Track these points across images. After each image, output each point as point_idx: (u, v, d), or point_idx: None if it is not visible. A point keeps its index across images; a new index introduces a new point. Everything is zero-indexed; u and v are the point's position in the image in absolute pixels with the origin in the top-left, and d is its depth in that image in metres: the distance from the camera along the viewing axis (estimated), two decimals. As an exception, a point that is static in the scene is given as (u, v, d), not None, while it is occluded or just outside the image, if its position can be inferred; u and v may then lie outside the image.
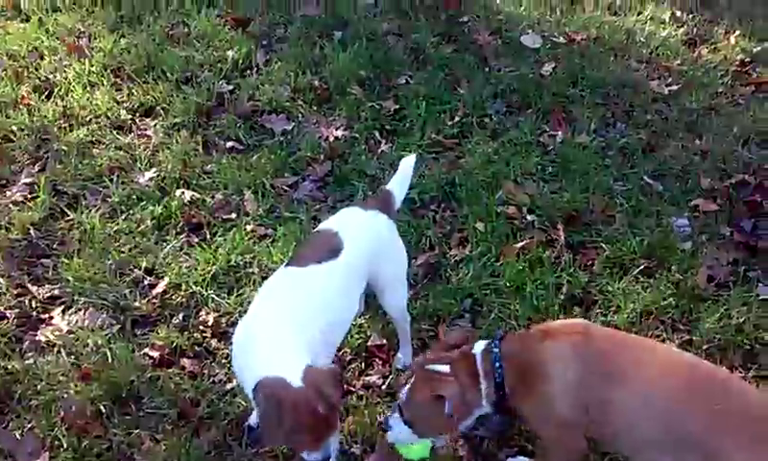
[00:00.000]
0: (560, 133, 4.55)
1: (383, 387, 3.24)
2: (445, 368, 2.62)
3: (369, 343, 3.40)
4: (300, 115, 4.64)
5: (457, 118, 4.63)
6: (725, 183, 4.19)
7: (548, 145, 4.48)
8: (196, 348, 3.37)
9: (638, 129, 4.60)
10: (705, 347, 3.33)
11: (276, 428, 2.45)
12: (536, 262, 3.73)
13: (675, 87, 4.93)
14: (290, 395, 2.42)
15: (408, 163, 3.20)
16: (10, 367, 3.26)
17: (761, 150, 4.45)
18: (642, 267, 3.70)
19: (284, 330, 2.61)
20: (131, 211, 3.97)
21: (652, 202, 4.09)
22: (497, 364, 2.61)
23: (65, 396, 3.14)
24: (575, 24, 5.53)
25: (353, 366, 3.33)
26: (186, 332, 3.41)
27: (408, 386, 2.66)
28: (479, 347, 2.69)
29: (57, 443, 3.00)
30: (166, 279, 3.63)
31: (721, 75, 5.05)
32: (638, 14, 5.63)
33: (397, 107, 4.68)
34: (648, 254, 3.77)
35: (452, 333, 3.09)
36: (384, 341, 3.40)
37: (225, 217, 3.97)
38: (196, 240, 3.84)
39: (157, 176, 4.16)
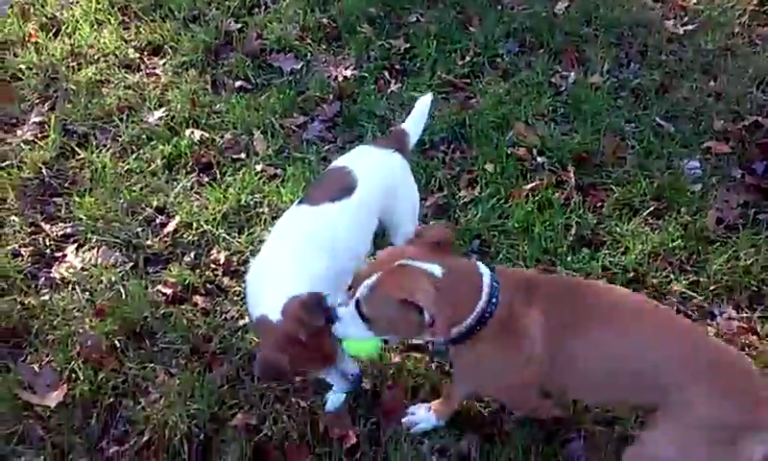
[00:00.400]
0: (572, 73, 4.50)
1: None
2: (436, 269, 2.31)
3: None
4: (308, 54, 4.60)
5: (468, 58, 4.58)
6: (738, 125, 4.14)
7: (560, 86, 4.44)
8: (208, 285, 3.41)
9: (652, 69, 4.53)
10: (712, 288, 3.35)
11: (266, 365, 2.48)
12: (545, 204, 3.73)
13: (691, 27, 4.84)
14: (271, 330, 2.46)
15: (424, 103, 3.18)
16: (26, 302, 3.32)
17: (776, 92, 4.41)
18: (652, 209, 3.70)
19: (288, 269, 2.62)
20: (141, 151, 3.98)
21: (663, 143, 4.06)
22: (494, 298, 2.38)
23: (81, 331, 3.20)
24: (590, -39, 5.41)
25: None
26: (198, 270, 3.45)
27: (376, 278, 2.30)
28: (485, 269, 2.45)
29: (73, 375, 3.08)
30: (177, 219, 3.66)
31: (738, 15, 4.95)
32: (655, -48, 5.51)
33: (408, 46, 4.63)
34: (658, 196, 3.77)
35: (431, 229, 2.54)
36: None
37: (234, 157, 3.98)
38: (206, 180, 3.86)
39: (167, 115, 4.16)
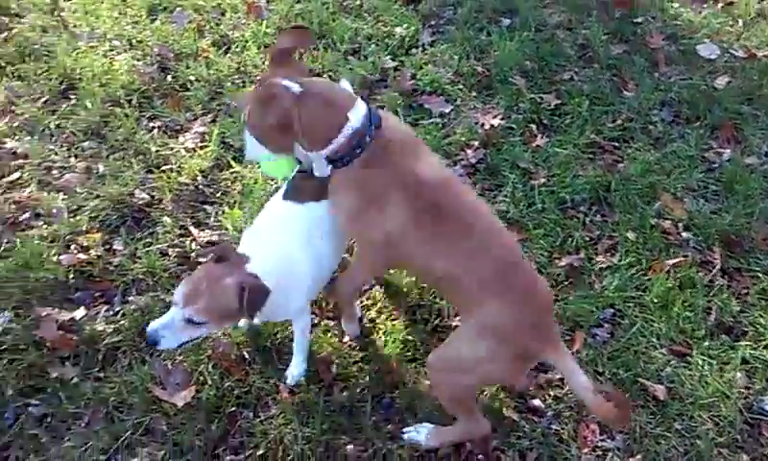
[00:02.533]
0: (728, 150, 4.33)
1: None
2: (295, 88, 2.64)
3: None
4: (458, 99, 4.66)
5: (619, 121, 4.50)
6: None
7: (713, 162, 4.28)
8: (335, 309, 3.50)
9: (815, 157, 4.31)
10: None
11: None
12: (687, 282, 3.60)
13: None
14: None
15: None
16: (168, 300, 3.49)
17: None
18: (802, 305, 3.50)
19: None
20: (294, 171, 4.13)
21: (821, 237, 3.83)
22: (368, 136, 2.71)
23: (213, 337, 3.36)
24: (758, 38, 5.22)
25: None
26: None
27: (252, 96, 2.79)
28: (360, 101, 2.76)
29: (201, 378, 3.23)
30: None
31: None
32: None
33: (558, 102, 4.61)
34: (809, 293, 3.56)
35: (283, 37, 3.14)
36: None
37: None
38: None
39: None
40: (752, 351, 3.33)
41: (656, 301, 3.51)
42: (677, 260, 3.69)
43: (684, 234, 3.86)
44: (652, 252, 3.74)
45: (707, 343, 3.36)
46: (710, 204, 4.03)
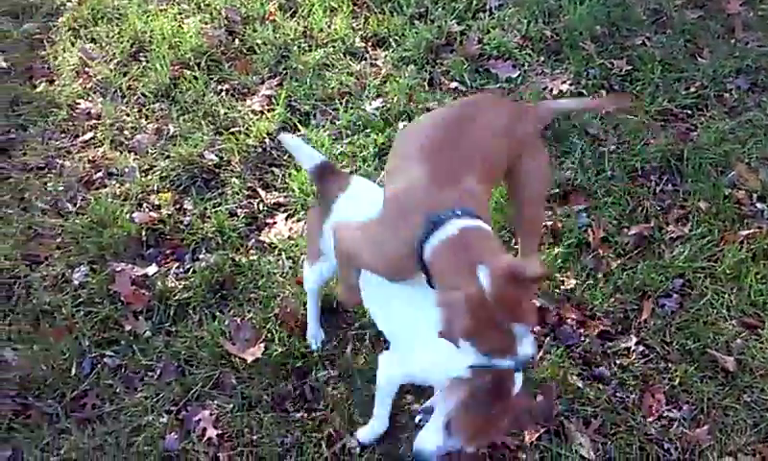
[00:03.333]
0: (807, 120, 4.17)
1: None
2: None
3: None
4: (526, 64, 4.59)
5: (693, 89, 4.37)
6: None
7: (792, 131, 4.13)
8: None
9: None
10: None
11: None
12: (760, 254, 3.50)
13: None
14: None
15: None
16: (236, 259, 3.59)
17: None
18: None
19: None
20: (355, 136, 4.14)
21: None
22: None
23: (281, 295, 3.42)
24: (841, 3, 4.99)
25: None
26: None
27: None
28: None
29: (269, 336, 3.30)
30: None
31: None
32: None
33: (630, 68, 4.49)
34: None
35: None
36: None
37: (442, 155, 4.04)
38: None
39: (383, 106, 4.30)
40: (826, 326, 3.23)
41: (727, 272, 3.42)
42: (750, 231, 3.59)
43: (759, 205, 3.75)
44: (724, 222, 3.65)
45: (779, 316, 3.28)
46: (787, 174, 3.90)
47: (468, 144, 2.52)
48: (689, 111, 4.27)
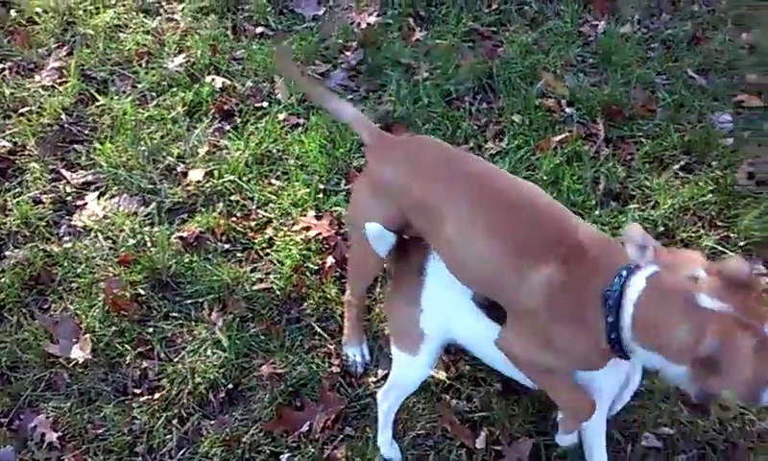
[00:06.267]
0: (602, 22, 4.37)
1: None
2: None
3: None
4: (331, 0, 4.49)
5: (495, 5, 4.47)
6: (771, 78, 4.05)
7: (589, 35, 4.32)
8: (231, 234, 3.37)
9: (684, 20, 4.41)
10: (742, 243, 3.29)
11: None
12: (573, 156, 3.66)
13: (723, -23, 4.71)
14: None
15: None
16: (49, 250, 3.30)
17: (812, 44, 4.29)
18: (682, 163, 3.63)
19: None
20: (161, 98, 3.92)
21: (695, 96, 3.95)
22: None
23: (104, 278, 3.19)
24: None
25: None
26: (223, 220, 3.41)
27: None
28: None
29: (98, 325, 3.06)
30: (199, 167, 3.61)
31: (772, -36, 4.80)
32: None
33: (433, -8, 4.52)
34: (688, 150, 3.68)
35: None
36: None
37: (256, 105, 3.91)
38: (228, 128, 3.80)
39: (187, 62, 4.08)
40: (640, 213, 3.44)
41: (546, 178, 3.55)
42: (563, 136, 3.73)
43: (568, 110, 3.90)
44: (538, 131, 3.77)
45: (597, 211, 3.44)
46: (590, 77, 4.09)
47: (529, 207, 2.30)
48: (494, 29, 4.36)
